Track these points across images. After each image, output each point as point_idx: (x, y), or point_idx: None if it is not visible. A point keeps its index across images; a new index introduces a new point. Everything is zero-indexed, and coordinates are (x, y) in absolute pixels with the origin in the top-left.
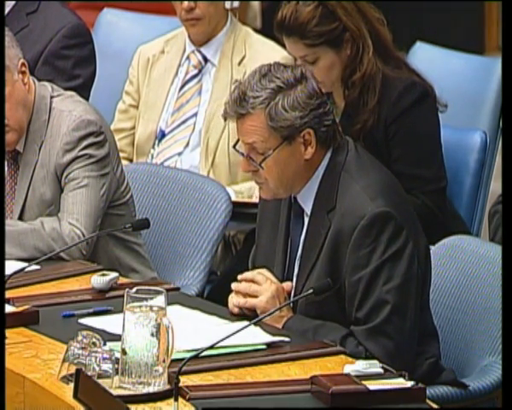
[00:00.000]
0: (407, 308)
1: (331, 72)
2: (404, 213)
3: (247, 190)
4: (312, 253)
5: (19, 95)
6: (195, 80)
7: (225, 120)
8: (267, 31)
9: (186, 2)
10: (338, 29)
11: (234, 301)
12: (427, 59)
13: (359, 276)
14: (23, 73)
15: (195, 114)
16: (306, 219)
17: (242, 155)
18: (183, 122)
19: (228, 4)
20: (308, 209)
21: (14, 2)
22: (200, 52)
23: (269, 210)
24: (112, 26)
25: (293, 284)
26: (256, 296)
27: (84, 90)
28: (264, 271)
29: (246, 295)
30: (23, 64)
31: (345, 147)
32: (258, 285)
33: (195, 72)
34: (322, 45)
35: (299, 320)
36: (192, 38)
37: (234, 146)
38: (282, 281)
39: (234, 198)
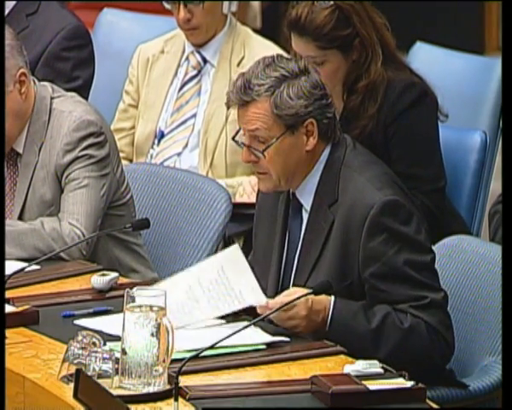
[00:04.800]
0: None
1: (336, 75)
2: (409, 203)
3: (237, 184)
4: (314, 248)
5: (10, 106)
6: (195, 81)
7: (228, 108)
8: (267, 31)
9: (182, 14)
10: (351, 35)
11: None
12: (427, 59)
13: (379, 266)
14: (21, 82)
15: (194, 115)
16: (305, 215)
17: (243, 144)
18: (183, 123)
19: (225, 9)
20: (307, 204)
21: (13, 3)
22: (199, 53)
23: (265, 211)
24: (112, 26)
25: (292, 279)
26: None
27: (82, 92)
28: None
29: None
30: (22, 74)
31: (343, 143)
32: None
33: (195, 72)
34: (333, 49)
35: (345, 303)
36: (191, 43)
37: (233, 138)
38: (278, 278)
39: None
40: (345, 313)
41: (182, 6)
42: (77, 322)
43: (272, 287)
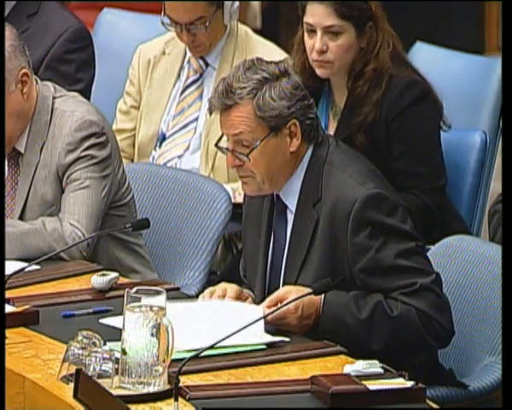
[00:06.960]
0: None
1: (346, 53)
2: (394, 196)
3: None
4: (300, 247)
5: (12, 106)
6: (197, 85)
7: (211, 113)
8: (267, 31)
9: (185, 37)
10: (367, 13)
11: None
12: (427, 59)
13: (367, 260)
14: (23, 82)
15: (196, 119)
16: (290, 216)
17: (227, 150)
18: (185, 126)
19: (227, 20)
20: (292, 205)
21: (13, 3)
22: (201, 56)
23: (252, 215)
24: (112, 26)
25: (281, 281)
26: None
27: (85, 93)
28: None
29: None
30: (25, 74)
31: (326, 142)
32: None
33: (197, 76)
34: (350, 21)
35: (336, 294)
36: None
37: (216, 144)
38: (264, 282)
39: (230, 192)
40: (335, 307)
41: (185, 31)
42: (102, 321)
43: (259, 291)
